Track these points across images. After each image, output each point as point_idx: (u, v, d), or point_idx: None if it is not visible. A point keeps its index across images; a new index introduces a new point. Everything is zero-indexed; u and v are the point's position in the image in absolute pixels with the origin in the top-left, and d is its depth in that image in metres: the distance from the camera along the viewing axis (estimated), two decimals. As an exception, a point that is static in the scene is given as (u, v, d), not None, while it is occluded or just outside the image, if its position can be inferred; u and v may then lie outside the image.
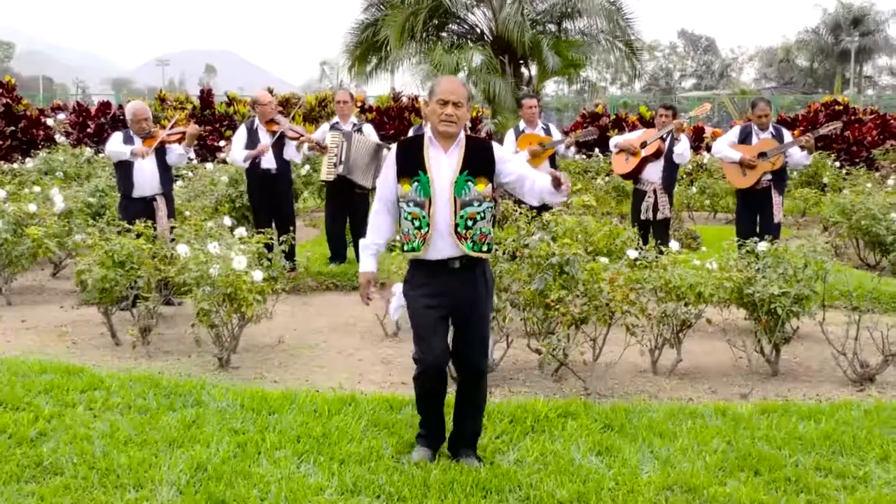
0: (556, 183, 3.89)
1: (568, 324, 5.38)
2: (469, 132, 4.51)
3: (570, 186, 3.94)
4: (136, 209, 7.53)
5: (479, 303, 4.05)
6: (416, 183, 3.96)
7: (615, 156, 9.12)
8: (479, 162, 3.99)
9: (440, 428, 4.24)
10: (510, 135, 9.33)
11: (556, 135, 9.12)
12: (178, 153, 7.92)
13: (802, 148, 8.39)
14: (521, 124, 9.27)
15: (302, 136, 8.89)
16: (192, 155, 8.19)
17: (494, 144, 4.15)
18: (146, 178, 7.74)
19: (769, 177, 8.44)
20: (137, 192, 7.73)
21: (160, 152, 7.81)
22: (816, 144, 9.88)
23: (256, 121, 8.84)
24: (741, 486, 3.88)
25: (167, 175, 7.96)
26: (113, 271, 6.22)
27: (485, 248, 4.01)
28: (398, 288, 4.23)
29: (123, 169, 7.73)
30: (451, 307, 4.02)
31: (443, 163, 3.98)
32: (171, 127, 8.09)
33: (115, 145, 7.70)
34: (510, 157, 4.15)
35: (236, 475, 3.90)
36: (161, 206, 7.78)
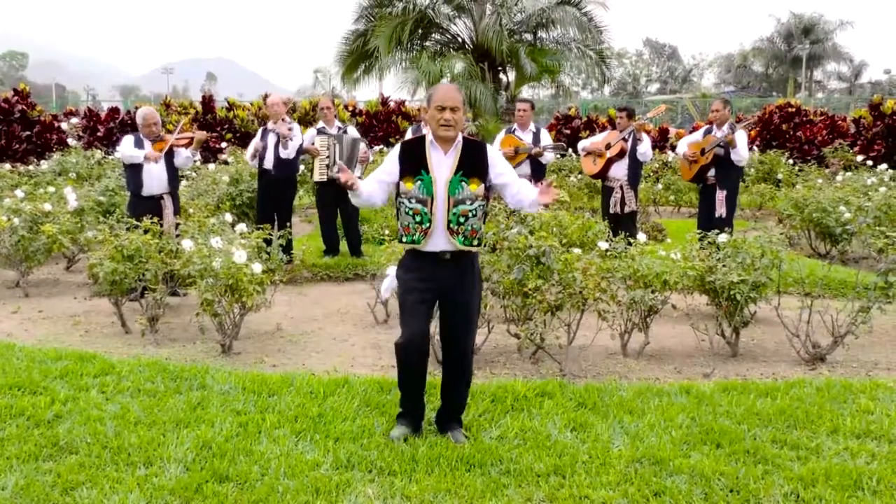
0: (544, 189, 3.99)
1: (544, 310, 5.39)
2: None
3: (554, 196, 4.00)
4: (145, 207, 7.50)
5: (464, 290, 4.07)
6: (419, 182, 3.99)
7: (583, 158, 9.22)
8: (473, 163, 4.02)
9: (419, 408, 4.23)
10: (500, 135, 9.33)
11: (545, 139, 9.03)
12: (185, 156, 7.91)
13: (722, 145, 8.44)
14: (515, 125, 9.25)
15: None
16: (198, 157, 8.14)
17: (489, 147, 4.15)
18: (154, 179, 7.71)
19: (713, 172, 8.51)
20: (146, 191, 7.70)
21: (168, 155, 7.79)
22: (770, 143, 9.91)
23: (269, 123, 8.90)
24: (704, 458, 3.90)
25: (174, 176, 7.93)
26: (122, 265, 6.18)
27: (475, 242, 4.05)
28: (392, 270, 4.26)
29: (134, 170, 7.68)
30: (439, 292, 4.06)
31: (442, 163, 4.01)
32: (179, 132, 8.05)
33: (129, 149, 7.66)
34: (501, 162, 4.15)
35: (239, 452, 3.89)
36: (168, 204, 7.76)
